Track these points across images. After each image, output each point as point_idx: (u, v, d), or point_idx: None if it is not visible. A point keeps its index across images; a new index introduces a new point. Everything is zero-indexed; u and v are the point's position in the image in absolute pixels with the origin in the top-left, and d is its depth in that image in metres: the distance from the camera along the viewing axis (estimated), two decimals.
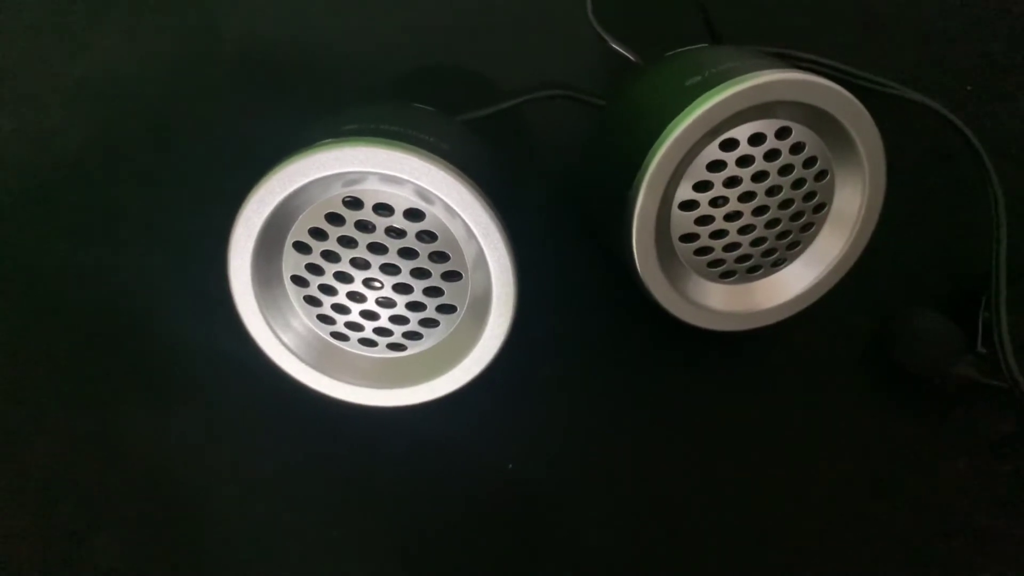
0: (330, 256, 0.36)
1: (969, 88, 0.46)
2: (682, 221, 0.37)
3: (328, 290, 0.37)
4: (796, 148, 0.36)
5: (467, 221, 0.34)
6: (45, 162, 0.45)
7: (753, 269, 0.39)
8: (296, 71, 0.45)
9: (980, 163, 0.43)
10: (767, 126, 0.36)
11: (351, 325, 0.37)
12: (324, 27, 0.45)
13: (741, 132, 0.36)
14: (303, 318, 0.38)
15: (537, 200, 0.45)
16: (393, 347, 0.38)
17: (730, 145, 0.36)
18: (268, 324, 0.37)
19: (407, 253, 0.36)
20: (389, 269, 0.36)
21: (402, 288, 0.36)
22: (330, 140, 0.34)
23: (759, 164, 0.36)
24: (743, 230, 0.38)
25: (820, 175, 0.38)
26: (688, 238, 0.38)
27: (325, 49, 0.45)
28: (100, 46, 0.45)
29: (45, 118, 0.45)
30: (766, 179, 0.36)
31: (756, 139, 0.36)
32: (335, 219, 0.35)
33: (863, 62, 0.44)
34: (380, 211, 0.35)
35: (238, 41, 0.45)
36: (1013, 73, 0.46)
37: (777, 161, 0.36)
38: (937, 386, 0.44)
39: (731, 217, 0.37)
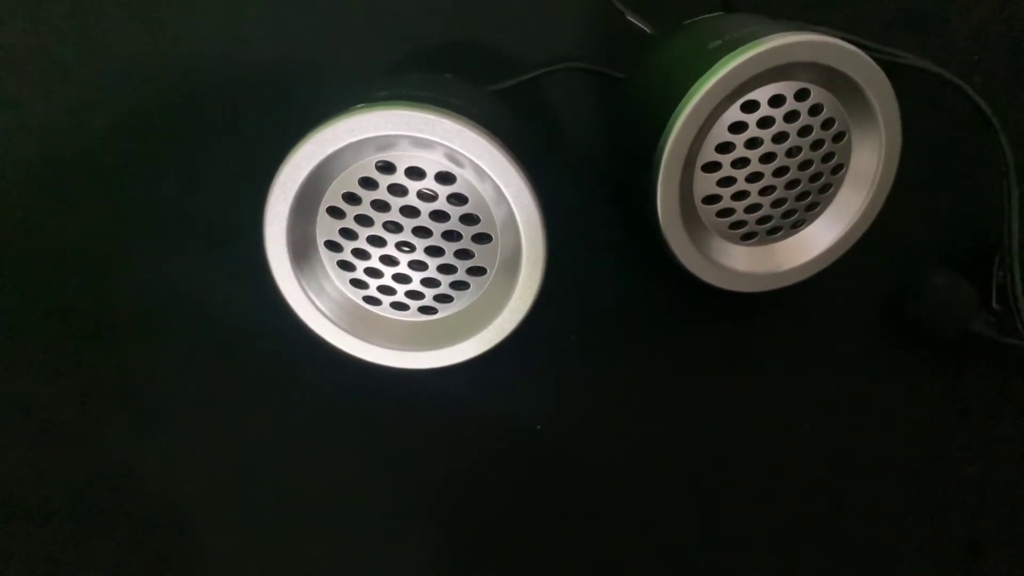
0: (363, 220, 0.37)
1: (976, 58, 0.47)
2: (705, 183, 0.38)
3: (361, 254, 0.37)
4: (815, 110, 0.37)
5: (497, 182, 0.35)
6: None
7: (774, 231, 0.40)
8: (322, 50, 0.46)
9: (991, 130, 0.44)
10: (787, 88, 0.37)
11: (383, 289, 0.38)
12: (347, 10, 0.46)
13: (762, 94, 0.37)
14: (336, 283, 0.38)
15: (561, 168, 0.46)
16: (424, 310, 0.39)
17: (751, 107, 0.37)
18: (303, 289, 0.37)
19: (438, 216, 0.36)
20: (421, 232, 0.37)
21: (433, 251, 0.37)
22: (363, 104, 0.35)
23: (779, 125, 0.37)
24: (764, 191, 0.38)
25: (838, 136, 0.38)
26: (711, 200, 0.39)
27: (349, 30, 0.46)
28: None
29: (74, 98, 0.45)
30: (786, 140, 0.37)
31: (776, 101, 0.37)
32: (368, 183, 0.36)
33: (873, 34, 0.45)
34: (412, 175, 0.36)
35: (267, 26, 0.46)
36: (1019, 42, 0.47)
37: (796, 122, 0.37)
38: (953, 342, 0.45)
39: (752, 178, 0.38)
